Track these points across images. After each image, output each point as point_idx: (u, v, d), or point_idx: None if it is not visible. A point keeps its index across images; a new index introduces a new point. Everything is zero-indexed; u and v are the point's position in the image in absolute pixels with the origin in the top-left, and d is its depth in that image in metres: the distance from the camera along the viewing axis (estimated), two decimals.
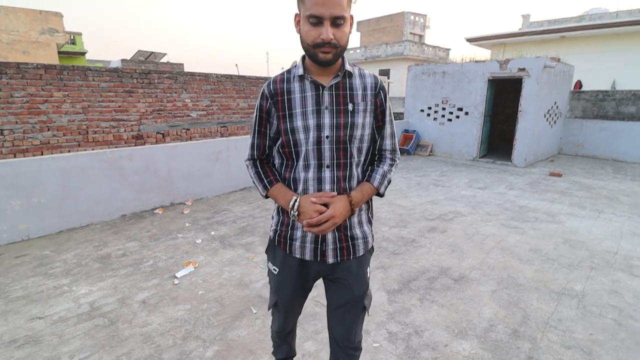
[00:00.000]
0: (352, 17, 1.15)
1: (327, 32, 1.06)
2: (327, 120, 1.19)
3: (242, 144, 5.55)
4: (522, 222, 4.27)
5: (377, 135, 1.32)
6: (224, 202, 4.90)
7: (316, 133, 1.19)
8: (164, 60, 21.90)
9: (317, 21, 1.06)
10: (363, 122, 1.23)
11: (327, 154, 1.20)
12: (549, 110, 8.15)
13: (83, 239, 3.62)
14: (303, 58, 1.22)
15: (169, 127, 7.34)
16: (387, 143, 1.34)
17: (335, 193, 1.21)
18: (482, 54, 16.17)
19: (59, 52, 15.65)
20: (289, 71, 1.26)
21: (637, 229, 4.07)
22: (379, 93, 1.27)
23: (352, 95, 1.22)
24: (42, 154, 5.72)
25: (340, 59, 1.20)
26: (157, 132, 7.16)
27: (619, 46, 12.21)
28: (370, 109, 1.25)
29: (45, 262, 3.12)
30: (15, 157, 5.45)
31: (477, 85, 8.05)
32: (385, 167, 1.33)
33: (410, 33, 28.14)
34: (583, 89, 12.23)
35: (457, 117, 8.51)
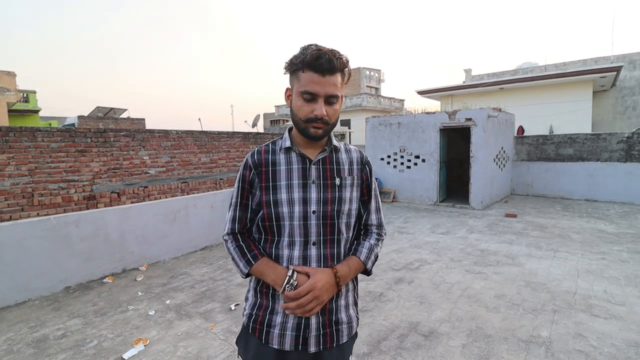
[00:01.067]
0: (342, 96, 1.16)
1: (321, 109, 1.07)
2: (314, 194, 1.15)
3: (202, 202, 5.39)
4: (485, 267, 4.33)
5: (362, 210, 1.29)
6: (182, 265, 4.61)
7: (302, 207, 1.14)
8: (124, 115, 21.59)
9: (311, 98, 1.08)
10: (350, 197, 1.21)
11: (313, 230, 1.14)
12: (497, 155, 8.71)
13: (17, 319, 3.21)
14: (289, 130, 1.21)
15: (125, 185, 7.04)
16: (373, 218, 1.30)
17: (312, 271, 1.12)
18: (433, 104, 17.39)
19: (10, 111, 15.04)
20: (274, 142, 1.24)
21: (591, 267, 4.25)
22: (364, 167, 1.27)
23: (339, 170, 1.20)
24: None
25: None
26: (112, 192, 6.83)
27: (551, 95, 13.60)
28: (357, 183, 1.24)
29: None
30: None
31: (431, 134, 8.53)
32: (372, 241, 1.27)
33: (367, 86, 29.97)
34: (525, 133, 13.30)
35: (415, 164, 8.87)
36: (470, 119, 7.92)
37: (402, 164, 9.14)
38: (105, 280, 4.09)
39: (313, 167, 1.17)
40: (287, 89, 1.16)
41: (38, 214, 5.79)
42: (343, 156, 1.23)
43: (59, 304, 3.52)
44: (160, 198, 7.44)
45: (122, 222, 4.39)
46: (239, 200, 1.22)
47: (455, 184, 10.48)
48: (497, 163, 8.73)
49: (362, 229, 1.31)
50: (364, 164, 1.27)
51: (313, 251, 1.14)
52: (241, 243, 1.20)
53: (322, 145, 1.20)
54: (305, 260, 1.13)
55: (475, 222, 6.78)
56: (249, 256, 1.17)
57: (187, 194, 7.89)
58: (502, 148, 9.01)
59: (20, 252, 3.58)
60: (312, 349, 1.14)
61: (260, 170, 1.18)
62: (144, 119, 21.28)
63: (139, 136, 7.30)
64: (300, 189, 1.14)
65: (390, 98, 27.02)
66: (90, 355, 2.64)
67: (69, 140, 6.23)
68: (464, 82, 17.69)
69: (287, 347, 1.14)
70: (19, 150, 5.66)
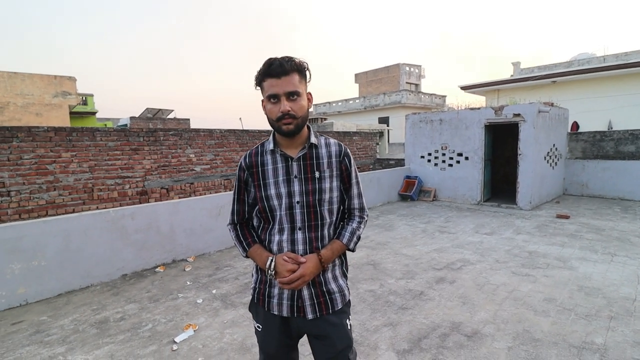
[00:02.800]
0: (309, 94, 1.36)
1: (284, 105, 1.24)
2: (297, 187, 1.34)
3: None
4: (534, 269, 4.13)
5: (345, 196, 1.46)
6: (226, 258, 4.82)
7: (288, 199, 1.34)
8: (171, 116, 22.78)
9: (275, 99, 1.26)
10: (330, 186, 1.38)
11: (298, 217, 1.34)
12: (548, 152, 8.22)
13: (82, 303, 3.53)
14: (274, 134, 1.38)
15: (173, 182, 7.45)
16: (355, 202, 1.47)
17: (305, 260, 1.31)
18: (477, 100, 16.70)
19: (71, 113, 16.38)
20: (262, 145, 1.43)
21: None
22: (343, 159, 1.42)
23: (319, 164, 1.38)
24: (47, 214, 5.76)
25: (307, 131, 1.38)
26: (162, 188, 7.26)
27: (610, 89, 12.60)
28: (337, 174, 1.41)
29: (41, 329, 3.01)
30: (20, 217, 5.49)
31: (475, 131, 8.22)
32: (354, 225, 1.45)
33: (407, 82, 29.35)
34: (580, 130, 12.43)
35: (458, 162, 8.59)
36: (518, 115, 7.54)
37: (443, 162, 8.88)
38: (157, 269, 4.38)
39: (294, 164, 1.35)
40: (262, 101, 1.34)
41: (97, 207, 6.29)
42: (322, 151, 1.40)
43: (117, 290, 3.82)
44: (205, 194, 7.80)
45: (172, 216, 4.66)
46: (237, 196, 1.45)
47: (501, 184, 10.02)
48: (547, 161, 8.24)
49: (346, 212, 1.49)
50: (343, 155, 1.42)
51: (299, 235, 1.34)
52: (239, 232, 1.46)
53: (302, 143, 1.37)
54: (293, 243, 1.34)
55: (523, 222, 6.46)
56: (244, 244, 1.43)
57: (230, 190, 8.20)
58: (553, 145, 8.49)
59: (84, 242, 3.92)
60: (310, 315, 1.36)
61: (252, 171, 1.39)
62: (189, 119, 22.32)
63: (185, 135, 7.69)
64: (285, 184, 1.34)
65: (432, 94, 26.32)
66: (146, 337, 2.85)
67: (124, 140, 6.69)
68: (511, 76, 16.81)
69: (284, 314, 1.37)
70: (80, 149, 6.18)
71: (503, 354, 2.52)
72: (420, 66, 30.77)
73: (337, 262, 1.44)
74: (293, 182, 1.34)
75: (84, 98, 20.01)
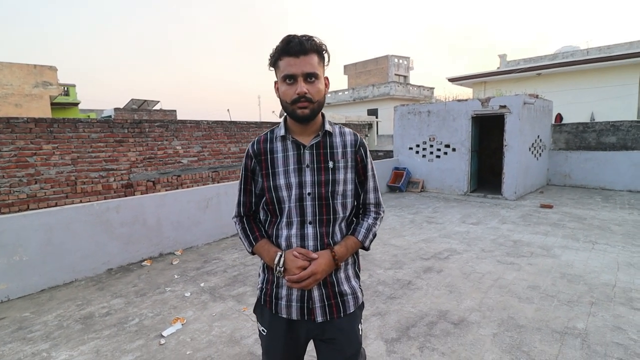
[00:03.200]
0: (327, 78, 1.24)
1: (301, 87, 1.13)
2: (308, 177, 1.23)
3: (232, 189, 5.53)
4: (518, 258, 4.22)
5: (360, 190, 1.35)
6: (214, 250, 4.78)
7: (298, 190, 1.22)
8: (157, 107, 22.35)
9: (291, 80, 1.15)
10: (344, 178, 1.27)
11: (309, 210, 1.23)
12: (532, 143, 8.36)
13: (65, 298, 3.46)
14: (285, 119, 1.28)
15: (160, 174, 7.33)
16: (371, 197, 1.36)
17: (316, 256, 1.20)
18: (465, 92, 16.83)
19: (52, 104, 15.91)
20: (272, 131, 1.31)
21: (633, 259, 4.04)
22: (359, 150, 1.31)
23: (333, 154, 1.26)
24: (28, 208, 5.61)
25: (321, 118, 1.27)
26: (148, 180, 7.14)
27: (593, 81, 12.83)
28: (351, 165, 1.29)
29: (24, 326, 2.95)
30: (0, 211, 5.34)
31: (462, 123, 8.29)
32: (370, 221, 1.34)
33: (395, 74, 29.37)
34: (564, 121, 12.65)
35: (445, 153, 8.67)
36: (504, 106, 7.62)
37: (431, 153, 8.96)
38: (143, 263, 4.32)
39: (307, 152, 1.24)
40: (275, 82, 1.23)
41: (81, 200, 6.15)
42: (337, 140, 1.28)
43: (102, 285, 3.75)
44: (192, 186, 7.71)
45: (159, 209, 4.59)
46: (243, 186, 1.34)
47: (487, 174, 10.17)
48: (532, 152, 8.38)
49: (360, 208, 1.38)
50: (359, 146, 1.31)
51: (309, 230, 1.23)
52: (245, 226, 1.34)
53: (315, 130, 1.26)
54: (302, 238, 1.22)
55: (508, 212, 6.58)
56: (250, 238, 1.31)
57: (218, 183, 8.12)
58: (538, 136, 8.63)
59: (68, 236, 3.83)
60: (319, 318, 1.24)
61: (260, 159, 1.27)
62: (175, 111, 21.94)
63: (172, 127, 7.55)
64: (296, 173, 1.23)
65: (420, 86, 26.40)
66: (132, 332, 2.81)
67: (107, 131, 6.54)
68: (498, 68, 16.97)
69: (293, 316, 1.25)
70: (62, 140, 6.01)
71: (489, 340, 2.57)
72: (408, 58, 30.80)
73: (349, 260, 1.32)
74: (305, 172, 1.23)
75: (65, 88, 19.43)
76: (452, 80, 16.01)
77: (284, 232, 1.24)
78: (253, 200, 1.34)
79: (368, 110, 25.00)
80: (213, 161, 8.32)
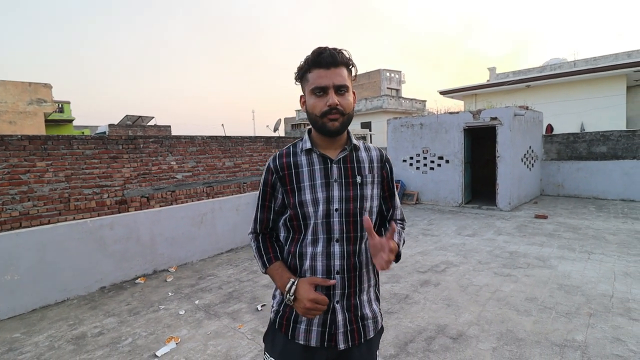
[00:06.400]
0: (354, 92, 1.20)
1: (333, 98, 1.10)
2: (336, 192, 1.17)
3: (227, 205, 5.51)
4: (515, 269, 4.21)
5: (384, 206, 1.31)
6: (209, 266, 4.73)
7: (325, 206, 1.16)
8: (151, 123, 22.35)
9: (322, 92, 1.12)
10: (371, 194, 1.23)
11: (336, 227, 1.16)
12: (525, 154, 8.46)
13: (57, 318, 3.38)
14: (309, 132, 1.25)
15: (154, 190, 7.28)
16: (398, 213, 1.35)
17: (335, 281, 1.15)
18: (456, 104, 17.07)
19: (47, 121, 15.85)
20: (294, 145, 1.27)
21: (629, 269, 4.06)
22: (384, 165, 1.29)
23: (360, 168, 1.22)
24: (20, 225, 5.53)
25: (346, 133, 1.23)
26: (142, 196, 7.08)
27: (581, 92, 13.09)
28: (378, 180, 1.26)
29: (14, 347, 2.87)
30: None
31: (454, 135, 8.38)
32: (398, 227, 1.31)
33: (388, 88, 29.75)
34: (555, 132, 12.84)
35: (439, 165, 8.73)
36: (495, 118, 7.73)
37: (425, 165, 9.02)
38: (137, 280, 4.25)
39: (334, 166, 1.19)
40: (301, 97, 1.21)
41: (74, 217, 6.07)
42: (363, 155, 1.25)
43: (95, 303, 3.68)
44: (187, 202, 7.65)
45: (153, 225, 4.55)
46: (261, 202, 1.27)
47: (480, 185, 10.24)
48: (525, 163, 8.47)
49: (383, 224, 1.33)
50: (384, 161, 1.29)
51: (336, 248, 1.16)
52: (260, 245, 1.27)
53: (342, 144, 1.22)
54: (328, 257, 1.16)
55: (503, 223, 6.60)
56: (264, 259, 1.24)
57: (212, 198, 8.07)
58: (530, 147, 8.74)
59: (60, 254, 3.77)
60: (342, 345, 1.15)
61: (283, 174, 1.20)
62: (169, 126, 21.94)
63: (166, 142, 7.54)
64: (324, 188, 1.17)
65: (412, 99, 26.72)
66: (125, 352, 2.75)
67: (102, 148, 6.51)
68: (488, 80, 17.27)
69: (313, 343, 1.15)
70: (56, 157, 5.97)
71: (488, 355, 2.55)
72: (400, 72, 31.26)
73: (372, 282, 1.25)
74: (332, 187, 1.17)
75: (60, 105, 19.42)
76: (443, 92, 16.25)
77: (309, 250, 1.17)
78: (271, 217, 1.27)
79: (361, 123, 25.19)
80: (207, 176, 8.29)
